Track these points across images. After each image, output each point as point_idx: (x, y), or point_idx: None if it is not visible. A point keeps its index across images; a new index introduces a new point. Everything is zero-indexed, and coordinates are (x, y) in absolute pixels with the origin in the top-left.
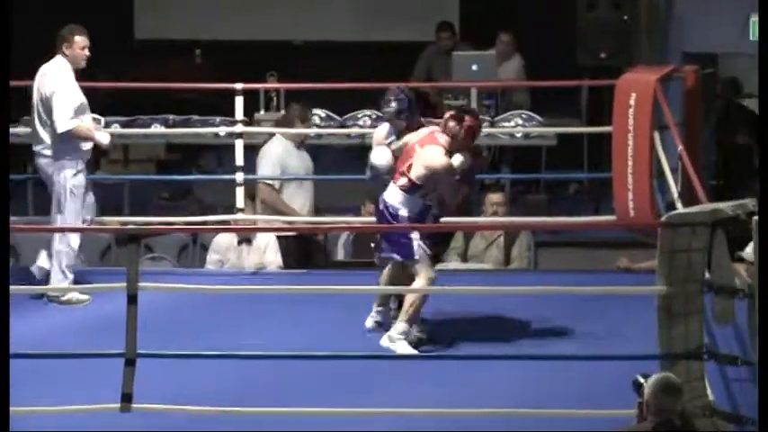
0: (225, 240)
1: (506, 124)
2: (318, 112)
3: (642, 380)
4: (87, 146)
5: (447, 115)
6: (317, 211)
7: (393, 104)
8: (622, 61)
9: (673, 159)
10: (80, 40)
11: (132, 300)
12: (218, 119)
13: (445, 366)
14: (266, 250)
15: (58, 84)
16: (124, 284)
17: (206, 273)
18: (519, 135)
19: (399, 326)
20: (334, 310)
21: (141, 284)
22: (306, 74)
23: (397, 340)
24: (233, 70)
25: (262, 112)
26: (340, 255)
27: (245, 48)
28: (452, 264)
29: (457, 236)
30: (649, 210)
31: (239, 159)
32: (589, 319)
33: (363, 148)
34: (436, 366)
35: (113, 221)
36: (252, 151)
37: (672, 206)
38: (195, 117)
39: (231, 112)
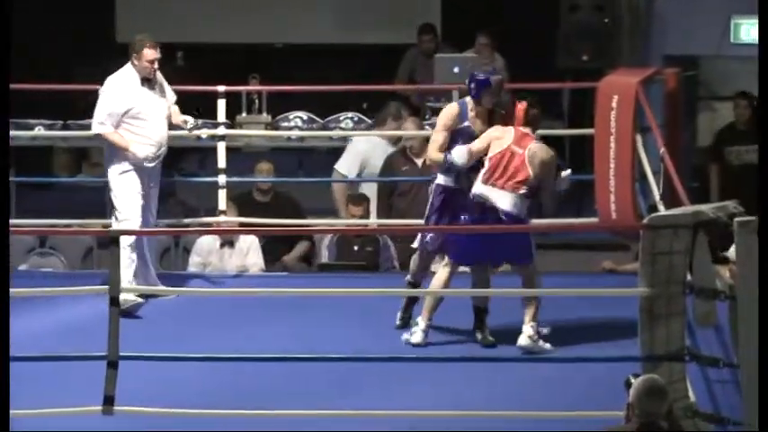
0: (207, 243)
1: None
2: (300, 115)
3: (633, 380)
4: (133, 151)
5: (522, 107)
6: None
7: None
8: (604, 64)
9: (654, 162)
10: (148, 53)
11: (114, 302)
12: (200, 121)
13: (434, 369)
14: (248, 253)
15: (105, 88)
16: (106, 287)
17: (188, 275)
18: None
19: (533, 327)
20: (317, 312)
21: (123, 287)
22: (288, 76)
23: (537, 340)
24: (215, 73)
25: (244, 114)
26: (324, 257)
27: (227, 50)
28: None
29: None
30: (631, 212)
31: (221, 162)
32: (573, 322)
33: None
34: (426, 369)
35: (95, 224)
36: (234, 153)
37: (654, 208)
38: None
39: (213, 115)
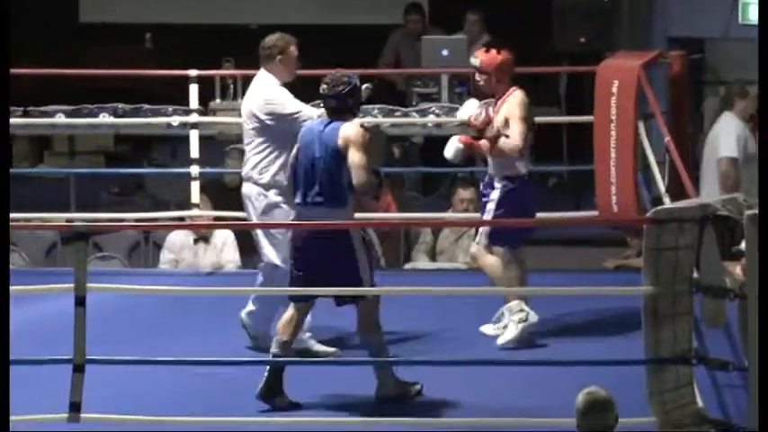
0: (179, 238)
1: None
2: None
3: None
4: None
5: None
6: None
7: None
8: (603, 46)
9: (659, 151)
10: (294, 52)
11: (80, 302)
12: (170, 108)
13: (422, 372)
14: (224, 249)
15: (273, 92)
16: (71, 285)
17: (159, 273)
18: None
19: None
20: None
21: (90, 285)
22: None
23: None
24: (186, 56)
25: (218, 100)
26: None
27: (198, 32)
28: (421, 263)
29: (424, 231)
30: (633, 205)
31: (194, 151)
32: (574, 322)
33: None
34: (414, 373)
35: (59, 218)
36: (208, 142)
37: (658, 201)
38: (146, 106)
39: (185, 101)
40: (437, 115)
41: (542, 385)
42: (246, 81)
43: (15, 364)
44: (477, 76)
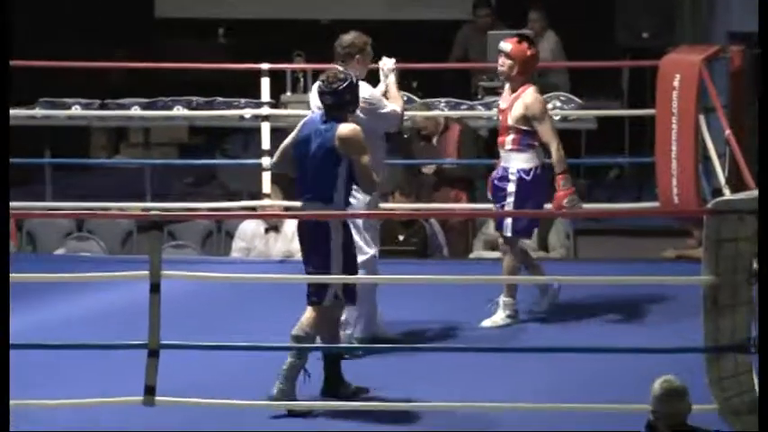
0: (251, 228)
1: None
2: None
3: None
4: None
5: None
6: None
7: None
8: (665, 41)
9: (719, 144)
10: (370, 50)
11: (155, 289)
12: (243, 101)
13: (479, 359)
14: (294, 238)
15: (369, 93)
16: (146, 273)
17: (231, 261)
18: (557, 118)
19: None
20: None
21: (164, 273)
22: (334, 54)
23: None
24: (258, 50)
25: (288, 93)
26: None
27: (270, 27)
28: (485, 253)
29: (487, 223)
30: (694, 196)
31: (266, 143)
32: (634, 310)
33: (400, 133)
34: (469, 359)
35: (135, 207)
36: (279, 134)
37: (718, 192)
38: (219, 99)
39: (257, 94)
40: None
41: (608, 371)
42: (317, 75)
43: (92, 348)
44: (501, 60)
